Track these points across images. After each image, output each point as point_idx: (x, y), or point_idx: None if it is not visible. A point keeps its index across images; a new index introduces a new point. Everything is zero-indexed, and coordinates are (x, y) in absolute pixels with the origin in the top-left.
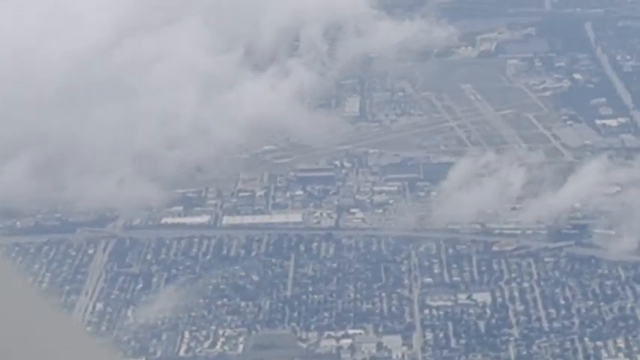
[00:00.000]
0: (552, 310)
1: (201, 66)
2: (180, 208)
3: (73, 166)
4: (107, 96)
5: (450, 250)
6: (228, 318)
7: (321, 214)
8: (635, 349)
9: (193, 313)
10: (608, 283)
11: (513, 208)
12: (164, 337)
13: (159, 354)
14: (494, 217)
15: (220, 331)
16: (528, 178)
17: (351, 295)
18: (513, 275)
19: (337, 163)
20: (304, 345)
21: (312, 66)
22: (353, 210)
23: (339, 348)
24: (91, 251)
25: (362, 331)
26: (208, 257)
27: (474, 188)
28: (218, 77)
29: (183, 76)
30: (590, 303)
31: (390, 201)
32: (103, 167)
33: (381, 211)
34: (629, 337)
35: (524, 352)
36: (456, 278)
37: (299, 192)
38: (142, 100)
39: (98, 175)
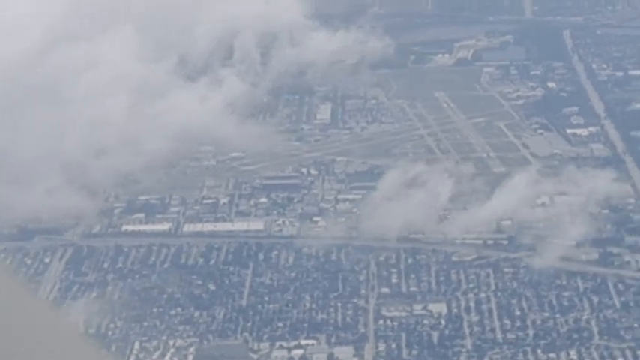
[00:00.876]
0: (507, 321)
1: (134, 74)
2: (142, 215)
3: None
4: (37, 104)
5: (410, 260)
6: (181, 328)
7: (283, 222)
8: None
9: (145, 323)
10: (566, 294)
11: (475, 218)
12: (113, 347)
13: None
14: (455, 226)
15: (171, 342)
16: (490, 188)
17: (307, 304)
18: (471, 285)
19: (304, 170)
20: (255, 356)
21: (245, 76)
22: (316, 218)
23: (291, 359)
24: (47, 259)
25: (314, 342)
26: (166, 266)
27: (436, 197)
28: (151, 85)
29: (115, 85)
30: (546, 314)
31: (354, 209)
32: (30, 176)
33: (343, 219)
34: (582, 349)
35: None
36: (413, 288)
37: (263, 200)
38: (72, 108)
39: (24, 185)
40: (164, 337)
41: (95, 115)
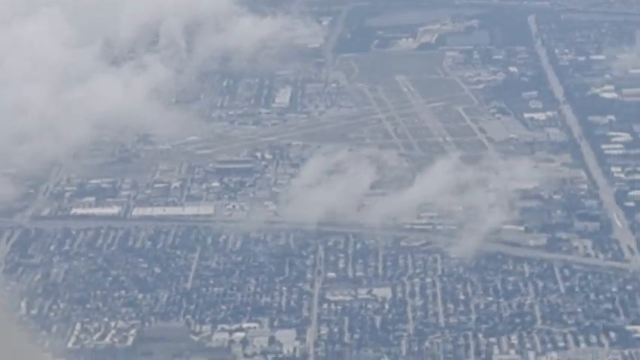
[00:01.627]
0: (451, 306)
1: (58, 59)
2: (92, 198)
3: None
4: None
5: (358, 245)
6: (123, 310)
7: (234, 206)
8: (527, 345)
9: (88, 305)
10: (511, 279)
11: (424, 204)
12: (54, 328)
13: (46, 345)
14: (405, 211)
15: (112, 323)
16: (445, 173)
17: (252, 288)
18: (417, 270)
19: (258, 154)
20: (196, 338)
21: (170, 61)
22: (267, 202)
23: (231, 342)
24: None
25: (257, 325)
26: (113, 249)
27: (387, 183)
28: (75, 70)
29: (38, 69)
30: (490, 299)
31: (306, 194)
32: None
33: (295, 204)
34: (524, 334)
35: (416, 348)
36: (359, 273)
37: (215, 184)
38: None
39: None
40: (106, 319)
41: (17, 100)
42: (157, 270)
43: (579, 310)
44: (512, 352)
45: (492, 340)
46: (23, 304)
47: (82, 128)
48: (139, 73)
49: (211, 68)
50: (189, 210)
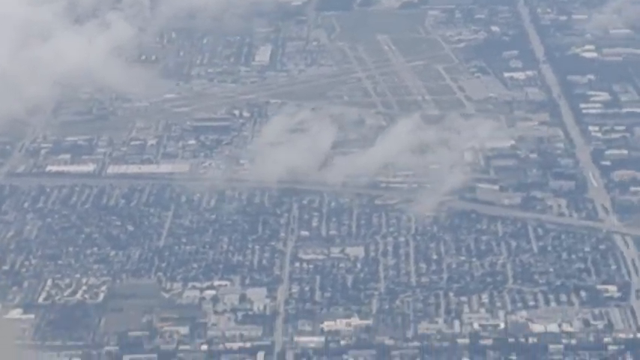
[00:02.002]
0: (423, 265)
1: (21, 16)
2: (68, 156)
3: None
4: None
5: (333, 204)
6: (95, 267)
7: (209, 164)
8: (498, 304)
9: (60, 262)
10: (484, 238)
11: (400, 163)
12: (26, 284)
13: (16, 300)
14: (383, 170)
15: (84, 280)
16: (422, 131)
17: (224, 246)
18: (391, 229)
19: (236, 112)
20: (167, 295)
21: (134, 20)
22: (242, 161)
23: (202, 299)
24: None
25: (228, 283)
26: (87, 206)
27: (367, 141)
28: (37, 28)
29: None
30: (463, 258)
31: (282, 152)
32: None
33: (271, 162)
34: (494, 293)
35: (387, 307)
36: (332, 232)
37: (191, 141)
38: None
39: None
40: (77, 275)
41: None
42: (130, 228)
43: (551, 269)
44: (483, 310)
45: (463, 299)
46: None
47: (44, 85)
48: (103, 31)
49: (176, 26)
50: (165, 168)
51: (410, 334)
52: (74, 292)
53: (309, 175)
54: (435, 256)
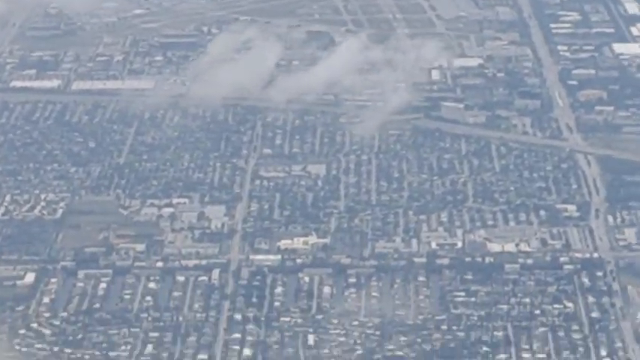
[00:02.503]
0: (384, 183)
1: None
2: (33, 71)
3: None
4: None
5: (297, 122)
6: (55, 183)
7: (175, 81)
8: (456, 223)
9: (20, 177)
10: (447, 156)
11: (366, 80)
12: None
13: None
14: (346, 88)
15: (43, 196)
16: (391, 49)
17: (185, 164)
18: (354, 147)
19: (205, 29)
20: (125, 212)
21: None
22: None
23: (160, 216)
24: None
25: (186, 201)
26: (49, 122)
27: (326, 59)
28: None
29: None
30: (424, 176)
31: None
32: None
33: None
34: (454, 212)
35: (345, 225)
36: (295, 150)
37: (158, 58)
38: None
39: None
40: (36, 192)
41: None
42: (92, 144)
43: (512, 188)
44: (441, 229)
45: (422, 217)
46: None
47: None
48: None
49: None
50: (130, 84)
51: (367, 252)
52: (32, 208)
53: (253, 93)
54: (396, 175)
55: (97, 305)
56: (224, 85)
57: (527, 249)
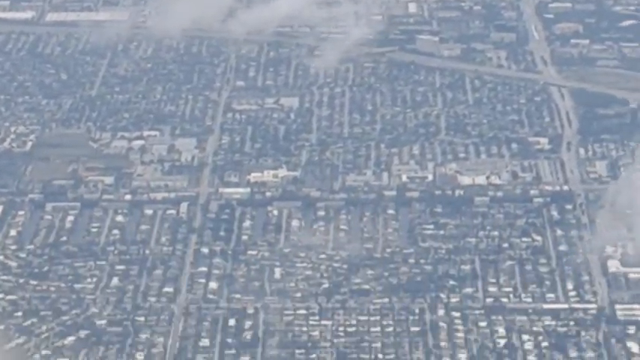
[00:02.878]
0: (357, 116)
1: None
2: (7, 2)
3: None
4: None
5: (271, 54)
6: (25, 115)
7: (149, 12)
8: (428, 156)
9: None
10: (421, 89)
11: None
12: None
13: None
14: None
15: (13, 128)
16: None
17: (157, 96)
18: (328, 80)
19: None
20: (95, 145)
21: None
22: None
23: (130, 149)
24: None
25: (157, 133)
26: (22, 54)
27: None
28: None
29: None
30: (397, 109)
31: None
32: None
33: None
34: (426, 144)
35: (316, 158)
36: (269, 82)
37: None
38: None
39: None
40: (7, 124)
41: None
42: (64, 76)
43: (484, 121)
44: (412, 162)
45: (394, 150)
46: None
47: None
48: None
49: None
50: (104, 15)
51: (337, 186)
52: (2, 140)
53: (212, 26)
54: (369, 107)
55: (64, 238)
56: (183, 18)
57: (498, 182)
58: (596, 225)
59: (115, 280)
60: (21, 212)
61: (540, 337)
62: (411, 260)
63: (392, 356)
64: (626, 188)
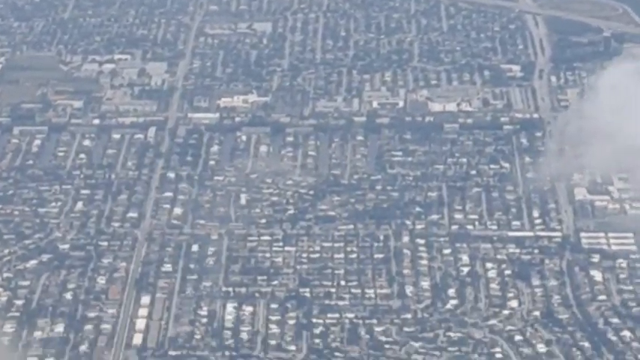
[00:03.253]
0: (330, 42)
1: None
2: None
3: None
4: None
5: None
6: None
7: None
8: (400, 83)
9: None
10: (395, 16)
11: None
12: None
13: None
14: None
15: None
16: None
17: (130, 19)
18: (302, 6)
19: None
20: (65, 68)
21: None
22: None
23: (100, 72)
24: None
25: (128, 57)
26: None
27: None
28: None
29: None
30: (371, 35)
31: None
32: None
33: None
34: (398, 71)
35: (287, 84)
36: (242, 7)
37: None
38: None
39: None
40: None
41: None
42: None
43: (458, 48)
44: (384, 89)
45: (366, 77)
46: None
47: None
48: None
49: None
50: None
51: (307, 111)
52: None
53: None
54: (343, 33)
55: (30, 162)
56: None
57: (469, 109)
58: (565, 153)
59: (80, 205)
60: None
61: (504, 265)
62: (378, 187)
63: (354, 283)
64: (575, 118)
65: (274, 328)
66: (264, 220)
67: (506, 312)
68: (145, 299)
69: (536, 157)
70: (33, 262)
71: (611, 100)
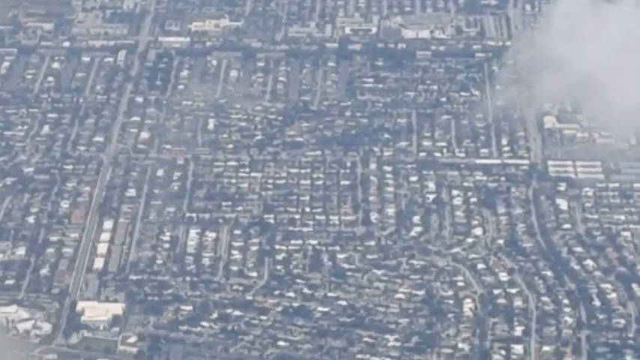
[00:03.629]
0: None
1: None
2: None
3: None
4: None
5: None
6: None
7: None
8: (374, 9)
9: None
10: None
11: None
12: None
13: None
14: None
15: None
16: None
17: None
18: None
19: None
20: None
21: None
22: None
23: None
24: None
25: None
26: None
27: None
28: None
29: None
30: None
31: None
32: None
33: None
34: None
35: (260, 9)
36: None
37: None
38: None
39: None
40: None
41: None
42: None
43: None
44: (357, 15)
45: (340, 2)
46: None
47: None
48: None
49: None
50: None
51: (279, 37)
52: None
53: None
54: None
55: None
56: None
57: (442, 36)
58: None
59: (46, 129)
60: None
61: (470, 193)
62: (347, 113)
63: (319, 210)
64: (526, 47)
65: (236, 254)
66: (231, 146)
67: (470, 240)
68: (108, 224)
69: (507, 84)
70: None
71: (564, 30)
